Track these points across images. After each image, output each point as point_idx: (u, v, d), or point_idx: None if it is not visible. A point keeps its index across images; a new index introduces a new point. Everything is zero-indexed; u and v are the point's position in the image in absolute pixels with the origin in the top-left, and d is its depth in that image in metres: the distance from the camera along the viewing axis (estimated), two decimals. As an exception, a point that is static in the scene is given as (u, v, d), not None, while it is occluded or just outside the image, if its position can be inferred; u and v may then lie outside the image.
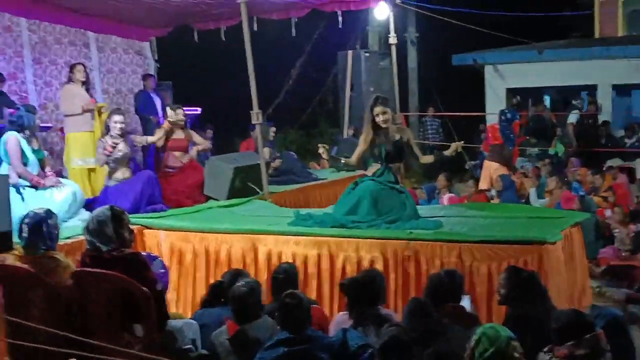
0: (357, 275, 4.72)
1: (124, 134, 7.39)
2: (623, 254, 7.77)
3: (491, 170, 10.20)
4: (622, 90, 16.29)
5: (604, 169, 11.68)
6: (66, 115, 8.21)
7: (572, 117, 13.23)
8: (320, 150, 6.70)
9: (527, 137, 11.87)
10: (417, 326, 3.50)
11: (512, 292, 4.34)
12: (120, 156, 7.23)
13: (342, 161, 6.56)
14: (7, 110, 7.75)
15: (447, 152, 6.55)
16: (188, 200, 7.72)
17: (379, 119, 6.18)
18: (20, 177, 6.36)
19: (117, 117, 7.32)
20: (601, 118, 14.86)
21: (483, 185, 10.23)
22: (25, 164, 6.38)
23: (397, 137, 6.26)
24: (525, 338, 3.50)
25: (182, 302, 6.42)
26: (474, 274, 5.32)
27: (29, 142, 6.46)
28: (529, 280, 4.34)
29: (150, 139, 8.11)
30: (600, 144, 13.55)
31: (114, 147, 7.15)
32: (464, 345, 3.51)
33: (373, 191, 6.07)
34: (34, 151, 6.49)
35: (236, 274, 4.92)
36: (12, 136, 6.38)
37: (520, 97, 16.97)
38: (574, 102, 13.25)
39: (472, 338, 3.11)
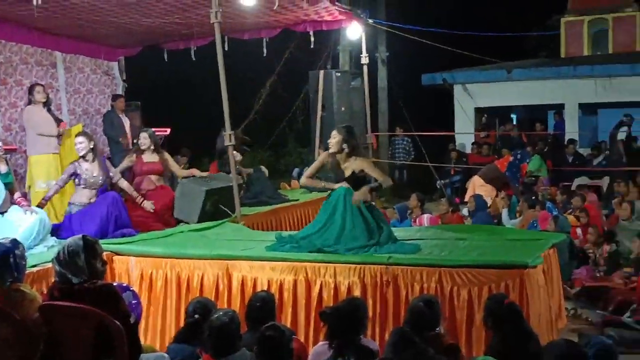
0: (339, 304, 4.59)
1: (97, 157, 7.20)
2: (597, 275, 7.77)
3: (476, 186, 10.26)
4: (588, 109, 16.52)
5: (573, 187, 11.81)
6: (31, 137, 7.99)
7: (621, 135, 13.32)
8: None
9: (539, 177, 12.12)
10: (404, 358, 3.39)
11: (493, 320, 4.32)
12: (89, 181, 7.05)
13: (322, 184, 6.40)
14: None
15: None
16: (158, 224, 7.53)
17: (329, 141, 6.12)
18: None
19: (77, 139, 7.18)
20: (567, 136, 15.05)
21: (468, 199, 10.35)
22: None
23: (351, 169, 6.12)
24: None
25: (151, 330, 6.23)
26: (454, 299, 5.24)
27: None
28: (509, 310, 4.30)
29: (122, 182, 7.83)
30: (568, 163, 13.67)
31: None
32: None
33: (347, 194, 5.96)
34: (0, 175, 6.27)
35: (204, 305, 4.70)
36: None
37: (489, 116, 17.15)
38: (623, 118, 13.31)
39: (464, 372, 3.01)
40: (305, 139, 16.85)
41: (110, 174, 7.34)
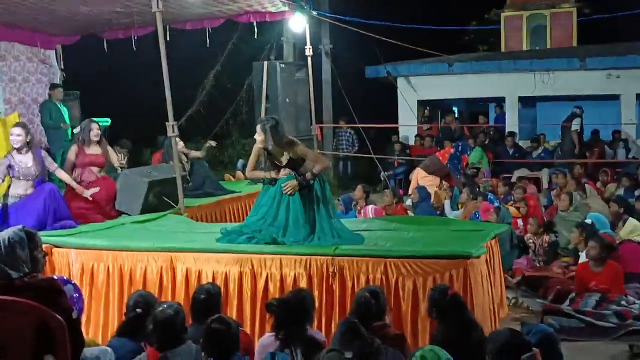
0: (285, 296, 4.57)
1: (32, 148, 6.99)
2: (537, 265, 7.94)
3: (419, 177, 10.37)
4: (528, 102, 16.87)
5: (513, 179, 12.04)
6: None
7: (575, 126, 13.52)
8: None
9: (480, 168, 12.26)
10: (352, 349, 3.38)
11: (437, 310, 4.37)
12: (23, 172, 6.84)
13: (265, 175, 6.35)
14: None
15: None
16: (98, 216, 7.38)
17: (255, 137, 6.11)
18: None
19: (14, 130, 6.97)
20: (508, 129, 15.34)
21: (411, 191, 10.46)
22: None
23: (287, 158, 6.10)
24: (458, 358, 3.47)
25: (92, 324, 6.10)
26: (399, 289, 5.27)
27: None
28: (453, 301, 4.35)
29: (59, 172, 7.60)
30: (508, 155, 13.93)
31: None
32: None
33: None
34: None
35: (146, 299, 4.60)
36: None
37: (431, 108, 17.35)
38: (575, 110, 13.54)
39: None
40: (249, 130, 16.73)
41: (46, 164, 7.14)
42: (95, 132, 7.65)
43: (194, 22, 10.81)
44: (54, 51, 11.51)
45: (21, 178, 6.86)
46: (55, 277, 4.09)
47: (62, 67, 11.65)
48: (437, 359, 2.98)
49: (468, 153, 12.20)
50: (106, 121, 11.15)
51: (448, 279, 5.12)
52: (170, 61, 7.48)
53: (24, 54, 10.80)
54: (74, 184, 7.33)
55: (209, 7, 9.89)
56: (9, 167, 6.84)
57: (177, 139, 7.87)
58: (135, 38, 11.07)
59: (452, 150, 11.45)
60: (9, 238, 3.52)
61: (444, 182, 10.65)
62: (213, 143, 10.32)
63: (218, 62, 15.70)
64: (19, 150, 6.89)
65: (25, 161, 6.90)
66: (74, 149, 7.64)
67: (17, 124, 7.21)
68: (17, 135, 6.91)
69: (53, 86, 10.76)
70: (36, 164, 6.93)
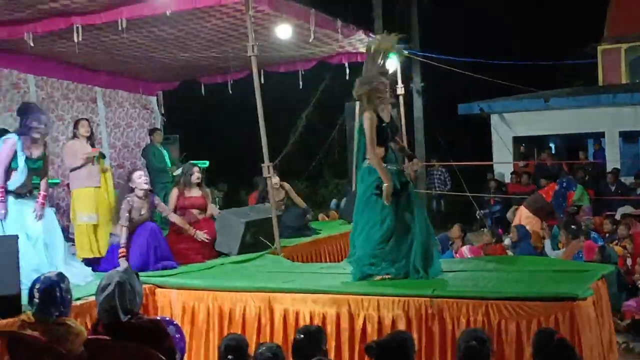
0: (384, 338, 4.48)
1: (147, 194, 7.22)
2: (647, 307, 7.53)
3: (522, 217, 10.09)
4: (629, 137, 16.23)
5: (617, 217, 11.52)
6: (71, 171, 8.04)
7: None
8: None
9: (581, 206, 11.75)
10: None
11: (543, 357, 4.16)
12: (136, 218, 7.06)
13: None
14: None
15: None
16: (198, 257, 7.51)
17: None
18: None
19: (139, 173, 7.18)
20: (609, 165, 14.77)
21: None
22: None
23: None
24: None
25: (193, 364, 6.17)
26: (502, 333, 5.08)
27: (26, 147, 6.25)
28: (560, 346, 4.14)
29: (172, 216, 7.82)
30: (610, 192, 13.39)
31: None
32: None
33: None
34: (28, 160, 6.26)
35: (238, 344, 4.59)
36: (10, 138, 6.23)
37: (527, 145, 16.94)
38: None
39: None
40: (340, 170, 16.84)
41: (159, 209, 7.37)
42: (196, 176, 7.87)
43: (288, 65, 11.04)
44: (155, 97, 11.97)
45: (133, 221, 7.09)
46: (159, 318, 4.17)
47: (163, 112, 12.08)
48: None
49: (574, 189, 11.62)
50: (204, 163, 11.45)
51: (553, 322, 4.89)
52: (264, 103, 7.63)
53: (127, 100, 11.29)
54: (186, 226, 7.50)
55: (302, 49, 10.08)
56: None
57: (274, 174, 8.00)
58: (232, 82, 11.41)
59: (557, 187, 10.98)
60: (120, 282, 3.60)
61: (546, 222, 10.30)
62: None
63: (310, 104, 15.92)
64: (140, 196, 7.10)
65: (141, 207, 7.11)
66: (175, 192, 7.86)
67: (139, 168, 7.44)
68: (146, 177, 7.17)
69: (152, 130, 11.16)
70: (148, 211, 7.16)
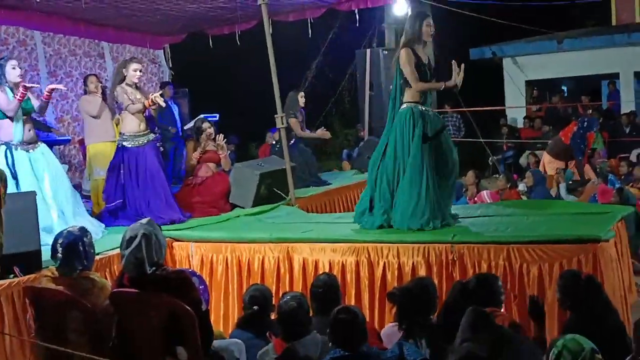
0: (406, 284, 4.47)
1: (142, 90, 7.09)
2: (666, 248, 7.48)
3: (545, 162, 9.98)
4: (644, 78, 16.00)
5: (631, 158, 11.42)
6: (89, 126, 7.97)
7: None
8: None
9: (596, 149, 11.32)
10: (483, 339, 3.26)
11: (571, 298, 4.13)
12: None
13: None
14: None
15: None
16: (214, 210, 7.50)
17: None
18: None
19: (135, 65, 6.93)
20: (623, 106, 14.58)
21: None
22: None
23: None
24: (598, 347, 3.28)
25: (213, 315, 6.16)
26: (523, 276, 5.07)
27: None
28: (589, 284, 4.11)
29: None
30: (625, 134, 13.24)
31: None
32: (536, 356, 3.29)
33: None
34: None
35: (262, 294, 4.58)
36: None
37: (539, 88, 16.72)
38: None
39: (551, 351, 2.86)
40: (350, 119, 16.68)
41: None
42: (208, 131, 7.82)
43: (296, 13, 10.84)
44: (162, 50, 11.84)
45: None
46: (183, 270, 4.17)
47: (171, 65, 11.96)
48: (580, 348, 2.80)
49: (595, 130, 11.03)
50: (214, 117, 11.37)
51: (576, 265, 4.87)
52: (274, 54, 7.51)
53: (134, 54, 11.16)
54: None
55: (311, -4, 9.91)
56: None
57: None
58: (239, 33, 11.23)
59: (576, 128, 10.57)
60: (144, 233, 3.57)
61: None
62: (327, 135, 9.83)
63: (320, 52, 15.71)
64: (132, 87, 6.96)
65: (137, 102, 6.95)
66: (190, 145, 7.82)
67: (135, 60, 7.21)
68: (140, 72, 7.02)
69: (163, 84, 11.05)
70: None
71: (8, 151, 5.88)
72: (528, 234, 5.23)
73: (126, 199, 6.90)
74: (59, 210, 6.11)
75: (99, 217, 7.01)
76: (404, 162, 5.71)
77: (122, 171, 6.86)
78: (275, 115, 7.65)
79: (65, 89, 9.17)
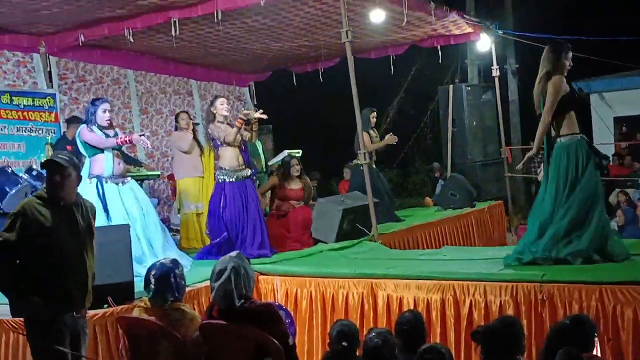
0: (491, 323, 4.36)
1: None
2: None
3: None
4: None
5: None
6: (178, 162, 8.23)
7: None
8: None
9: None
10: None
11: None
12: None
13: None
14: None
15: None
16: (296, 244, 7.57)
17: None
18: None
19: (220, 100, 7.16)
20: None
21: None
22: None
23: None
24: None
25: (298, 350, 6.19)
26: (617, 318, 4.87)
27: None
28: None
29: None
30: None
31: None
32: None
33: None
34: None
35: (350, 329, 4.54)
36: (82, 127, 6.24)
37: (628, 125, 16.21)
38: None
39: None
40: (431, 156, 16.59)
41: None
42: (296, 168, 7.94)
43: (379, 51, 10.95)
44: (247, 88, 12.14)
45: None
46: (272, 303, 4.21)
47: (256, 102, 12.23)
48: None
49: None
50: (298, 152, 11.52)
51: (674, 307, 4.66)
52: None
53: (221, 92, 11.49)
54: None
55: (394, 34, 9.97)
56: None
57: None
58: (322, 70, 11.42)
59: None
60: (234, 266, 3.63)
61: None
62: (394, 140, 9.58)
63: (402, 89, 15.76)
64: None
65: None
66: (273, 180, 7.95)
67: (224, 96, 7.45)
68: (225, 110, 7.18)
69: (247, 122, 11.28)
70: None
71: (99, 184, 6.15)
72: (622, 274, 5.04)
73: (229, 233, 7.04)
74: (147, 243, 6.30)
75: (205, 251, 7.17)
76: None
77: (223, 206, 7.00)
78: (358, 151, 7.68)
79: (152, 148, 9.50)
